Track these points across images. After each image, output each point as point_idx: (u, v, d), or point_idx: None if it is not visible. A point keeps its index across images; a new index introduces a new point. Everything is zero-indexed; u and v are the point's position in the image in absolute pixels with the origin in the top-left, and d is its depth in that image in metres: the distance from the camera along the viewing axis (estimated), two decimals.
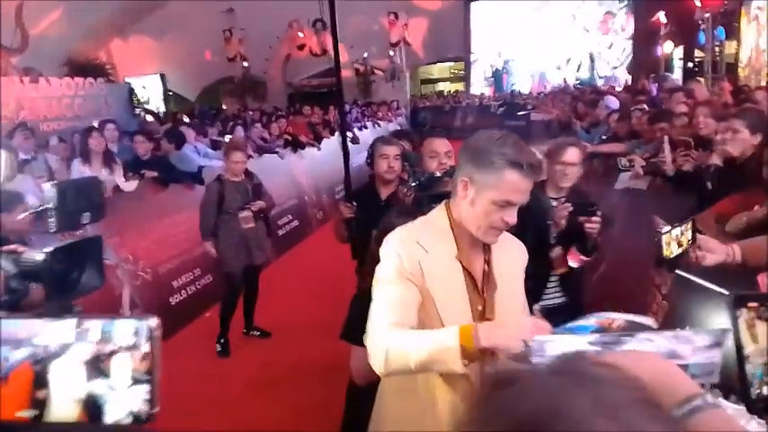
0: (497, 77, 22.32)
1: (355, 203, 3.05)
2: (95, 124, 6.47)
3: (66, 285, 1.33)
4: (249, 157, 5.80)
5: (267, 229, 4.72)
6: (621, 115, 5.63)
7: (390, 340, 1.35)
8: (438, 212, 1.54)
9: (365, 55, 21.48)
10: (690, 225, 1.81)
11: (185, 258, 5.43)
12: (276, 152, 7.64)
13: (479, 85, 22.45)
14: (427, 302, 1.45)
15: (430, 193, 2.39)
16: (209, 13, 19.79)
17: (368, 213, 2.73)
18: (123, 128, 8.38)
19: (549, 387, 0.51)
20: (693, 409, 0.67)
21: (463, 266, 1.49)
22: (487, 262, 1.54)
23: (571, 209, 2.55)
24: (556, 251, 2.73)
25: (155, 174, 5.39)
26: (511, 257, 1.60)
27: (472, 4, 22.05)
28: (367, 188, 3.10)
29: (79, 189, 1.47)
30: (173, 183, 5.55)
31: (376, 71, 22.08)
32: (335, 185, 8.21)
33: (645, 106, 5.64)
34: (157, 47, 21.31)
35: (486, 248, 1.54)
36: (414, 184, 2.70)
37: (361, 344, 1.90)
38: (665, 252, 1.76)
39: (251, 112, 13.24)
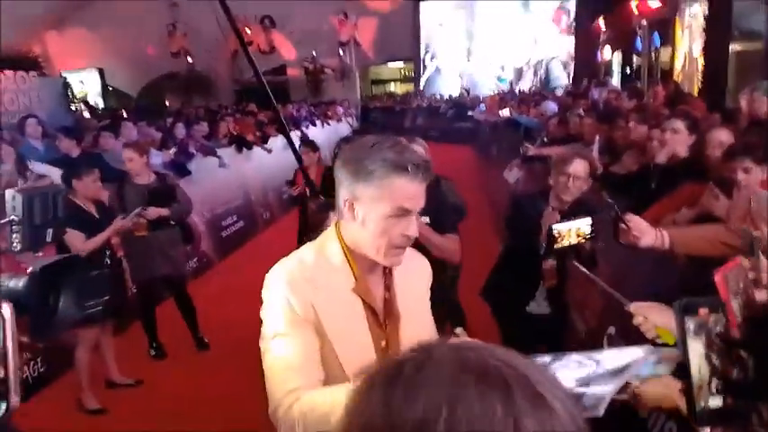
0: (431, 79, 22.65)
1: (322, 198, 3.27)
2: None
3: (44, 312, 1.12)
4: (188, 154, 5.56)
5: (185, 238, 4.47)
6: (560, 119, 5.84)
7: (297, 411, 1.17)
8: (327, 239, 1.34)
9: (314, 53, 21.30)
10: (589, 219, 1.91)
11: None
12: (218, 156, 7.34)
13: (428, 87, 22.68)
14: (325, 345, 1.27)
15: None
16: (151, 5, 19.12)
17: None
18: (57, 124, 7.99)
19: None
20: None
21: (362, 299, 1.32)
22: (388, 288, 1.36)
23: (558, 218, 2.46)
24: (548, 263, 2.70)
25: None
26: (414, 278, 1.42)
27: (421, 4, 22.22)
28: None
29: (45, 199, 1.22)
30: (106, 182, 5.28)
31: (326, 70, 21.93)
32: (283, 185, 8.07)
33: (581, 111, 5.82)
34: (96, 40, 20.41)
35: (387, 272, 1.35)
36: None
37: None
38: (558, 243, 1.85)
39: (193, 109, 12.87)
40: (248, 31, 20.99)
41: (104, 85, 21.69)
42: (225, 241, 7.00)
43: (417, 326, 1.38)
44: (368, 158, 1.22)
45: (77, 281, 1.23)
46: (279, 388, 1.25)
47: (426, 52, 22.62)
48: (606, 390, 0.91)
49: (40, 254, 1.23)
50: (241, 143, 8.44)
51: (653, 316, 1.37)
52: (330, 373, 1.26)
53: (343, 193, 1.26)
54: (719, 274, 0.93)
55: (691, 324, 0.82)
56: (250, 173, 8.34)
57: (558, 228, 1.96)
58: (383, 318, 1.34)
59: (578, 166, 2.68)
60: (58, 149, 5.78)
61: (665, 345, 1.44)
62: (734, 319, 0.88)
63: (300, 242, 3.95)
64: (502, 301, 2.99)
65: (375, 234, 1.25)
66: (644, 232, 1.82)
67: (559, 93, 16.27)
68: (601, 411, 0.90)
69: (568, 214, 2.47)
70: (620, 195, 3.53)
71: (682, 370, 0.84)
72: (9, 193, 1.22)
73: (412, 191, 1.23)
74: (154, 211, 4.05)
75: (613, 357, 0.98)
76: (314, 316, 1.27)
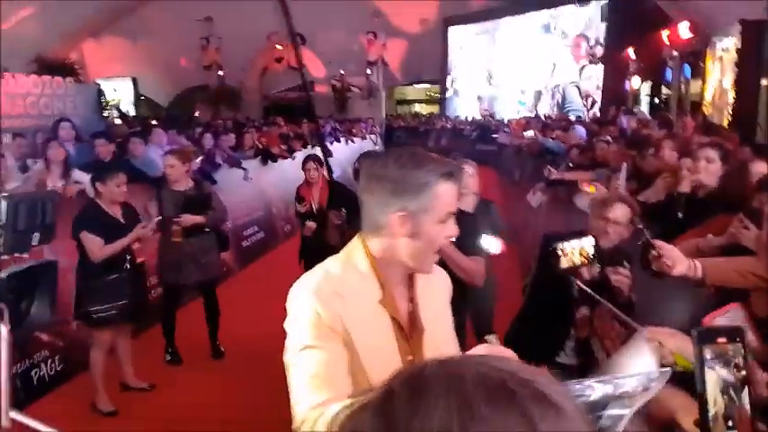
0: (450, 101, 22.75)
1: (344, 211, 3.20)
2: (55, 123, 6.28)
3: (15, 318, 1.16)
4: (214, 164, 5.62)
5: (220, 246, 4.51)
6: (585, 148, 5.81)
7: (323, 426, 1.14)
8: (353, 251, 1.35)
9: (342, 72, 21.58)
10: (593, 240, 1.86)
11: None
12: (243, 168, 7.44)
13: (454, 109, 22.77)
14: (353, 358, 1.26)
15: None
16: (186, 19, 19.62)
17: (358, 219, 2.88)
18: (89, 129, 8.18)
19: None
20: None
21: (389, 312, 1.31)
22: (411, 300, 1.36)
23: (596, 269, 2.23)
24: (581, 311, 2.40)
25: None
26: (436, 290, 1.43)
27: (450, 28, 22.43)
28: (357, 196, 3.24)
29: (32, 205, 1.27)
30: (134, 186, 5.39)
31: (352, 88, 22.18)
32: None
33: (609, 138, 5.77)
34: (131, 50, 20.99)
35: (410, 285, 1.37)
36: None
37: None
38: (563, 264, 1.79)
39: (221, 121, 13.09)
40: (279, 47, 21.41)
41: (137, 94, 22.23)
42: (245, 251, 7.05)
43: (441, 339, 1.38)
44: (418, 170, 1.23)
45: (51, 285, 1.25)
46: (305, 402, 1.22)
47: (448, 75, 22.79)
48: (623, 411, 0.89)
49: (26, 256, 1.25)
50: (266, 156, 8.54)
51: (669, 341, 1.32)
52: (357, 386, 1.24)
53: (385, 208, 1.26)
54: (707, 320, 0.92)
55: (708, 354, 0.80)
56: (273, 185, 8.43)
57: (562, 246, 1.91)
58: (408, 331, 1.33)
59: (619, 211, 2.44)
60: (89, 154, 5.91)
61: (684, 371, 1.40)
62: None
63: (303, 258, 3.97)
64: (528, 352, 2.87)
65: (428, 243, 1.27)
66: (676, 261, 1.77)
67: (573, 117, 16.28)
68: (619, 430, 0.89)
69: (606, 262, 2.25)
70: (647, 224, 3.49)
71: (698, 401, 0.82)
72: None
73: (455, 195, 1.28)
74: (189, 218, 4.12)
75: (631, 380, 0.96)
76: (342, 328, 1.26)
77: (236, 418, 3.56)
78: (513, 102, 20.95)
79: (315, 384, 1.22)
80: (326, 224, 4.18)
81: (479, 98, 22.05)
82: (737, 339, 0.82)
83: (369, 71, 21.95)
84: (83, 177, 4.99)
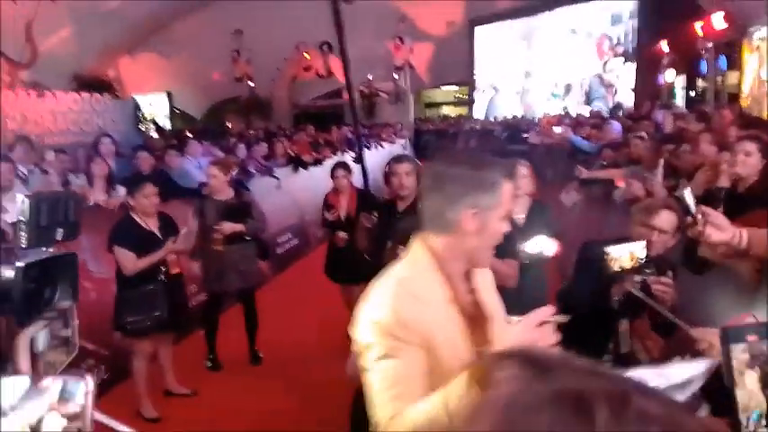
0: (490, 103, 22.58)
1: (376, 214, 3.27)
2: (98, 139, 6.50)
3: (37, 306, 1.25)
4: (248, 173, 5.72)
5: (261, 253, 4.58)
6: (618, 145, 5.69)
7: (408, 424, 1.20)
8: (419, 253, 1.38)
9: (369, 77, 21.67)
10: (644, 243, 1.86)
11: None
12: (275, 176, 7.56)
13: (483, 110, 22.61)
14: (432, 359, 1.30)
15: None
16: (217, 33, 20.04)
17: (387, 225, 2.95)
18: (127, 143, 8.44)
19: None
20: None
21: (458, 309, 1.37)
22: (472, 291, 1.41)
23: (637, 280, 2.09)
24: (623, 325, 2.22)
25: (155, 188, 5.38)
26: (488, 281, 1.49)
27: (476, 28, 22.30)
28: (387, 202, 3.37)
29: (54, 203, 1.37)
30: (172, 198, 5.54)
31: (380, 93, 22.25)
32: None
33: (644, 133, 5.65)
34: (165, 65, 21.54)
35: (467, 278, 1.41)
36: None
37: None
38: (613, 267, 1.78)
39: (253, 132, 13.32)
40: (307, 56, 21.66)
41: (171, 108, 22.79)
42: (280, 258, 7.15)
43: (500, 320, 1.43)
44: (488, 169, 1.33)
45: (72, 275, 1.34)
46: (383, 413, 1.27)
47: (475, 75, 22.65)
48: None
49: (51, 250, 1.36)
50: (297, 163, 8.66)
51: (717, 341, 1.31)
52: (435, 384, 1.27)
53: (456, 206, 1.31)
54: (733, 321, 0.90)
55: (740, 353, 0.77)
56: (304, 192, 8.53)
57: (612, 250, 1.88)
58: (474, 323, 1.39)
59: (665, 218, 2.30)
60: (129, 168, 6.09)
61: None
62: None
63: (328, 269, 3.97)
64: None
65: (491, 239, 1.36)
66: (721, 227, 1.67)
67: (596, 108, 16.00)
68: None
69: (649, 272, 2.12)
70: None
71: (729, 402, 0.80)
72: (19, 197, 1.39)
73: (512, 193, 1.36)
74: (229, 227, 4.21)
75: (679, 371, 0.95)
76: (421, 330, 1.29)
77: (273, 423, 3.62)
78: (547, 95, 20.73)
79: (392, 395, 1.26)
80: (356, 228, 4.19)
81: (518, 93, 21.86)
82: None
83: (396, 75, 21.99)
84: (122, 191, 5.17)
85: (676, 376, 0.93)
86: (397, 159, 3.43)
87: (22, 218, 1.30)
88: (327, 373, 4.25)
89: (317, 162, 9.28)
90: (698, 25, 12.23)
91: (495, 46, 21.99)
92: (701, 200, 3.36)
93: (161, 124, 19.38)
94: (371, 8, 19.41)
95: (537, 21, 20.66)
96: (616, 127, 7.16)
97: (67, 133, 9.58)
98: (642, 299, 1.90)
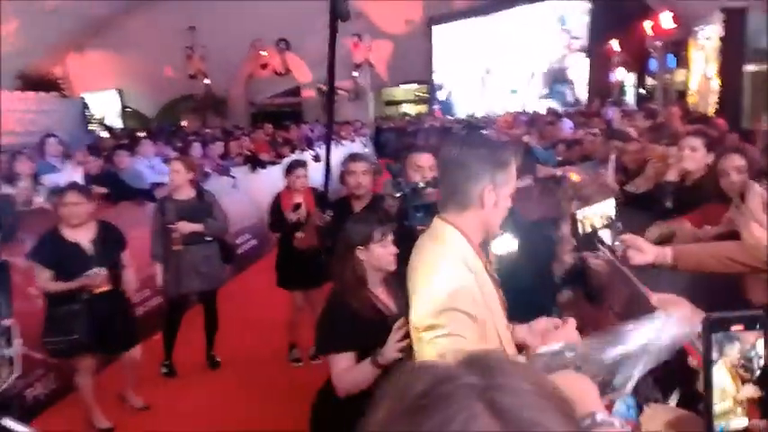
0: (447, 102, 22.81)
1: (330, 213, 3.15)
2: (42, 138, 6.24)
3: None
4: (204, 173, 5.58)
5: (225, 254, 4.44)
6: (571, 142, 5.81)
7: None
8: (447, 229, 1.45)
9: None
10: (613, 201, 1.86)
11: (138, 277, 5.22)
12: (232, 176, 7.41)
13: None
14: (485, 325, 1.37)
15: (415, 203, 2.47)
16: (170, 30, 19.54)
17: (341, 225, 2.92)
18: (75, 144, 8.13)
19: (443, 370, 0.52)
20: (586, 427, 0.69)
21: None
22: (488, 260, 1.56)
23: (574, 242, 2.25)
24: (564, 295, 2.38)
25: (104, 190, 5.20)
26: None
27: (434, 27, 22.45)
28: (341, 201, 3.28)
29: None
30: (123, 200, 5.36)
31: (340, 91, 22.14)
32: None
33: (597, 130, 5.78)
34: (116, 62, 20.87)
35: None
36: (398, 194, 2.69)
37: (340, 351, 2.01)
38: (585, 228, 1.78)
39: (209, 130, 13.05)
40: (263, 54, 21.35)
41: (123, 106, 22.12)
42: (238, 259, 7.01)
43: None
44: (502, 149, 1.47)
45: (3, 285, 1.28)
46: None
47: (434, 72, 22.84)
48: (634, 370, 0.89)
49: None
50: (255, 162, 8.52)
51: (675, 310, 1.30)
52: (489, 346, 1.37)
53: (477, 183, 1.43)
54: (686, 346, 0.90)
55: (720, 340, 0.75)
56: (263, 192, 8.40)
57: (583, 212, 1.88)
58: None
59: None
60: (77, 169, 5.87)
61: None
62: None
63: (279, 269, 3.86)
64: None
65: (502, 213, 1.48)
66: (642, 249, 1.75)
67: (554, 103, 16.44)
68: (629, 389, 0.89)
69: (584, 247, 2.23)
70: (636, 214, 3.50)
71: (705, 388, 0.78)
72: None
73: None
74: (185, 226, 4.07)
75: (636, 336, 0.95)
76: (478, 300, 1.39)
77: (232, 428, 3.54)
78: (505, 93, 21.05)
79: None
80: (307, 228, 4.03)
81: (478, 88, 22.13)
82: (757, 327, 0.76)
83: (355, 73, 21.94)
84: (42, 196, 4.93)
85: (634, 341, 0.93)
86: (354, 158, 3.40)
87: None
88: (287, 375, 4.22)
89: (276, 161, 9.15)
90: (647, 24, 12.64)
91: (454, 45, 22.20)
92: (650, 194, 3.46)
93: (112, 123, 18.79)
94: (328, 6, 19.29)
95: (494, 19, 20.96)
96: (567, 124, 7.39)
97: (12, 134, 9.19)
98: (612, 261, 1.93)
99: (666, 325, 0.93)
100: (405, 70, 22.75)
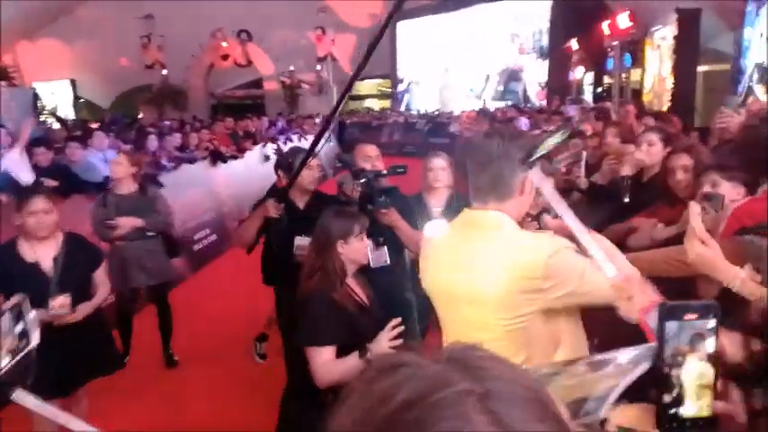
0: (401, 96, 22.94)
1: (282, 205, 3.04)
2: None
3: None
4: (160, 166, 5.42)
5: (170, 250, 4.36)
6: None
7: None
8: (499, 217, 1.55)
9: (291, 68, 21.30)
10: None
11: None
12: (188, 161, 7.22)
13: (405, 103, 22.88)
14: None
15: (379, 188, 2.69)
16: (126, 18, 18.94)
17: (283, 220, 2.99)
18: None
19: (432, 375, 0.47)
20: None
21: None
22: None
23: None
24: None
25: (55, 183, 5.00)
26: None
27: (398, 23, 22.45)
28: (280, 194, 3.16)
29: None
30: (75, 193, 5.16)
31: (303, 85, 21.93)
32: (257, 198, 7.98)
33: (552, 128, 5.88)
34: (68, 51, 20.12)
35: None
36: (363, 180, 2.76)
37: (324, 344, 2.06)
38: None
39: (168, 122, 12.72)
40: (224, 45, 20.94)
41: (76, 97, 21.35)
42: (197, 255, 6.86)
43: None
44: (534, 145, 1.53)
45: None
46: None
47: (398, 69, 22.91)
48: (609, 391, 0.88)
49: None
50: (215, 156, 8.34)
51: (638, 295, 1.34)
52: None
53: (516, 173, 1.52)
54: (642, 314, 0.90)
55: (675, 329, 0.75)
56: (224, 186, 8.23)
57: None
58: None
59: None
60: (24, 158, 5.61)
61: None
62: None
63: (264, 263, 3.79)
64: None
65: (531, 200, 1.58)
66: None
67: (509, 102, 16.80)
68: (602, 414, 0.88)
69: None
70: (595, 209, 3.56)
71: (658, 376, 0.78)
72: None
73: None
74: (126, 221, 3.98)
75: (617, 357, 0.94)
76: None
77: (193, 427, 3.45)
78: (464, 91, 21.25)
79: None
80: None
81: (439, 90, 22.29)
82: (712, 316, 0.76)
83: (318, 67, 21.76)
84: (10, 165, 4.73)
85: (623, 359, 0.93)
86: (297, 151, 3.43)
87: None
88: (250, 372, 4.15)
89: (238, 155, 8.99)
90: (605, 24, 12.93)
91: (417, 41, 22.27)
92: (607, 189, 3.53)
93: (63, 114, 18.12)
94: None
95: (456, 17, 21.11)
96: (523, 122, 7.65)
97: None
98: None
99: (645, 352, 0.93)
100: (368, 65, 22.67)
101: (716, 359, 0.76)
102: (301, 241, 2.92)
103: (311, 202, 3.12)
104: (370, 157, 3.01)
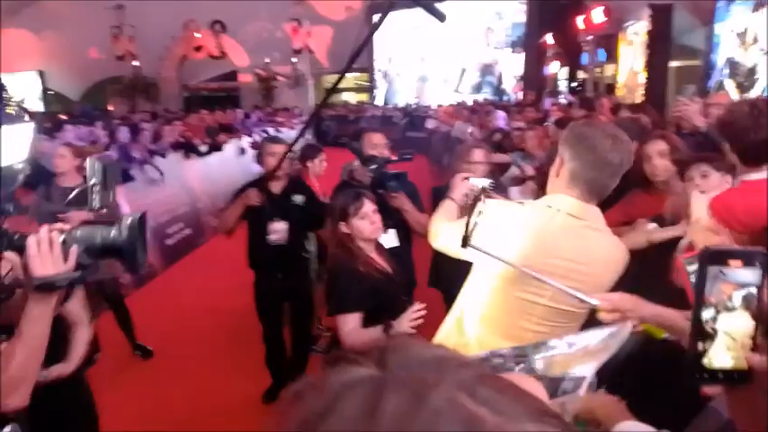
0: (388, 91, 22.92)
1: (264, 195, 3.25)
2: None
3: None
4: (130, 159, 5.28)
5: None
6: (506, 133, 6.03)
7: None
8: (551, 197, 1.64)
9: (267, 60, 21.03)
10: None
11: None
12: (157, 168, 6.93)
13: (382, 97, 22.82)
14: None
15: (389, 173, 2.86)
16: (96, 8, 18.46)
17: (262, 206, 3.24)
18: None
19: (416, 380, 0.42)
20: None
21: None
22: None
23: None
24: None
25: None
26: None
27: (375, 16, 22.36)
28: (258, 183, 3.37)
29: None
30: (41, 185, 4.99)
31: (279, 77, 21.69)
32: (232, 191, 7.86)
33: (522, 124, 5.94)
34: (36, 42, 19.55)
35: None
36: (374, 166, 2.92)
37: (350, 311, 2.21)
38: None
39: (139, 114, 12.46)
40: (198, 36, 20.57)
41: (44, 89, 20.79)
42: (170, 250, 6.73)
43: None
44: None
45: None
46: None
47: (373, 62, 22.83)
48: (585, 370, 0.86)
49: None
50: (189, 149, 8.18)
51: (632, 311, 1.25)
52: None
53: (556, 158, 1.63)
54: (679, 261, 0.87)
55: (716, 275, 0.71)
56: (198, 179, 8.09)
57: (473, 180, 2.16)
58: None
59: (478, 155, 2.97)
60: None
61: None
62: None
63: (252, 253, 3.74)
64: (447, 289, 2.97)
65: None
66: None
67: (485, 95, 17.04)
68: (581, 393, 0.86)
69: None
70: None
71: (694, 323, 0.74)
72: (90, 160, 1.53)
73: None
74: (78, 215, 3.84)
75: (587, 338, 0.93)
76: None
77: (165, 419, 3.39)
78: (441, 84, 21.30)
79: None
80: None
81: (417, 81, 22.29)
82: (757, 265, 0.71)
83: (294, 59, 21.53)
84: None
85: (583, 342, 0.91)
86: (273, 140, 3.67)
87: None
88: (222, 363, 4.10)
89: (213, 148, 8.84)
90: (579, 19, 13.05)
91: (393, 34, 22.19)
92: None
93: (32, 107, 17.63)
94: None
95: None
96: (500, 115, 7.75)
97: None
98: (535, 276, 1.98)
99: (615, 333, 0.91)
100: (345, 57, 22.47)
101: (759, 311, 0.71)
102: (276, 225, 3.22)
103: (287, 186, 3.36)
104: (376, 144, 3.17)
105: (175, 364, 4.14)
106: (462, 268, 2.92)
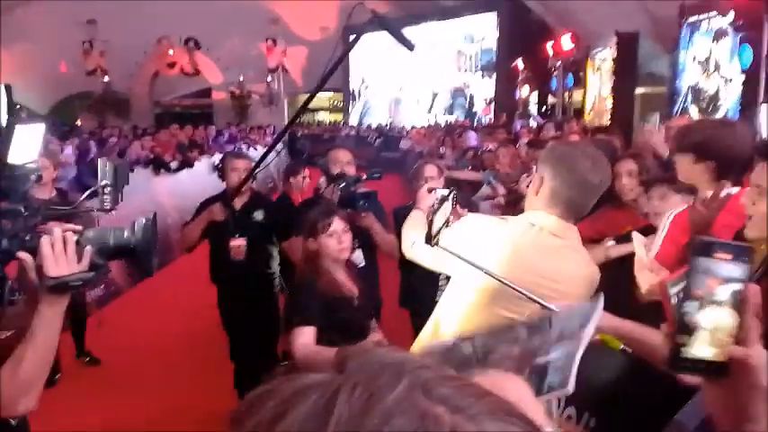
0: (363, 111, 23.12)
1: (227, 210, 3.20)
2: None
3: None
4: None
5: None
6: (476, 153, 6.19)
7: None
8: (531, 216, 1.66)
9: (241, 78, 21.00)
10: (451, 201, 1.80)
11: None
12: (131, 171, 6.93)
13: (357, 116, 22.96)
14: None
15: (359, 192, 2.85)
16: (67, 22, 18.23)
17: (224, 222, 3.20)
18: None
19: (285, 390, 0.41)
20: None
21: None
22: None
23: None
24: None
25: None
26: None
27: (351, 37, 22.57)
28: (220, 198, 3.32)
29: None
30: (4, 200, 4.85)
31: (253, 95, 21.66)
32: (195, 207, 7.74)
33: (491, 146, 6.05)
34: (4, 55, 19.13)
35: None
36: (342, 184, 2.88)
37: (300, 324, 2.17)
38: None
39: (108, 130, 12.27)
40: (171, 53, 20.46)
41: (11, 103, 20.29)
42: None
43: None
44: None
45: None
46: None
47: (348, 82, 23.01)
48: (572, 353, 0.85)
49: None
50: (159, 165, 8.07)
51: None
52: None
53: (535, 177, 1.67)
54: (662, 284, 0.88)
55: (704, 267, 0.71)
56: (168, 195, 7.96)
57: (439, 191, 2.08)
58: None
59: (430, 170, 3.07)
60: None
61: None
62: None
63: (213, 269, 3.68)
64: (417, 309, 2.98)
65: None
66: None
67: (456, 117, 17.34)
68: (570, 389, 0.84)
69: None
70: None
71: (678, 314, 0.73)
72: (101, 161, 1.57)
73: None
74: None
75: (561, 319, 0.92)
76: None
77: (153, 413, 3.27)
78: (414, 105, 21.56)
79: None
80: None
81: (390, 104, 22.50)
82: (744, 260, 0.72)
83: (269, 78, 21.55)
84: None
85: (558, 325, 0.90)
86: (236, 155, 3.67)
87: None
88: (194, 379, 4.00)
89: (185, 164, 8.73)
90: (548, 45, 13.41)
91: (368, 55, 22.42)
92: None
93: None
94: (243, 7, 18.85)
95: (407, 33, 21.42)
96: (472, 135, 7.94)
97: None
98: (499, 279, 2.05)
99: (587, 309, 0.90)
100: (319, 77, 22.66)
101: (741, 306, 0.71)
102: (235, 241, 3.18)
103: (247, 202, 3.36)
104: (341, 161, 3.09)
105: (137, 380, 4.03)
106: (432, 287, 2.92)
